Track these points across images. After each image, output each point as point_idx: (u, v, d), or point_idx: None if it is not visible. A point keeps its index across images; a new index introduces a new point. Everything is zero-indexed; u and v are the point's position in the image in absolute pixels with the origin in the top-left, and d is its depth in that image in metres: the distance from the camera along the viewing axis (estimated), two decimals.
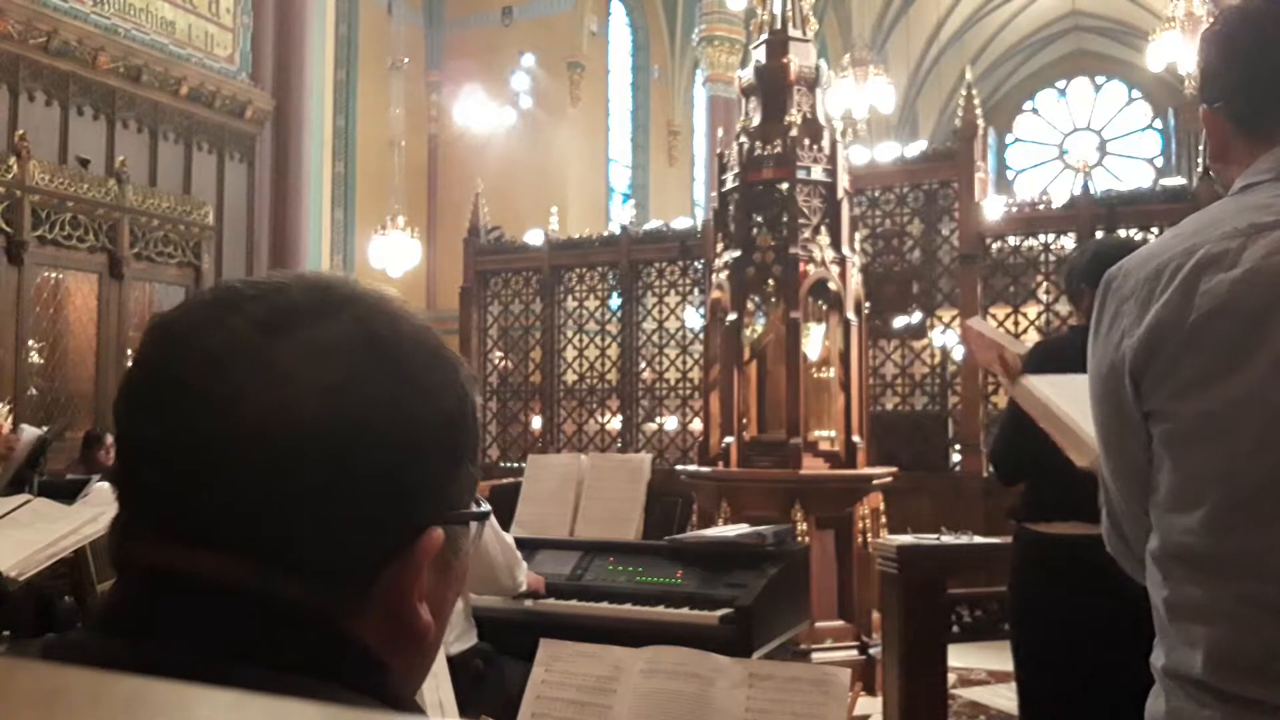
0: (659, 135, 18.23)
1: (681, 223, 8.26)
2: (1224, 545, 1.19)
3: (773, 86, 5.40)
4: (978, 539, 3.79)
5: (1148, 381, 1.25)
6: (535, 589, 3.24)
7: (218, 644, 0.55)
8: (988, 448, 5.81)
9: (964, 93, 7.07)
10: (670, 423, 7.87)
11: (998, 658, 2.88)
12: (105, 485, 4.82)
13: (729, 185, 5.44)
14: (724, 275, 5.36)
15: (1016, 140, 24.27)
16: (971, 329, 3.39)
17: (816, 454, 5.16)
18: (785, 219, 5.22)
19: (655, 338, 7.84)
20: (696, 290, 7.60)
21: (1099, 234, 6.41)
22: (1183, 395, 1.21)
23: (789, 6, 5.47)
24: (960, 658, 4.56)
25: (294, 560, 0.57)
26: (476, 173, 10.36)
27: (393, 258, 12.38)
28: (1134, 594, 2.52)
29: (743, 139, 5.40)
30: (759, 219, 5.29)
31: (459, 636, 2.83)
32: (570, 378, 8.12)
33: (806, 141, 5.26)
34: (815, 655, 4.59)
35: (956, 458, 7.02)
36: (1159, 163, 22.32)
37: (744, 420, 5.33)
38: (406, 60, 14.07)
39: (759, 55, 5.52)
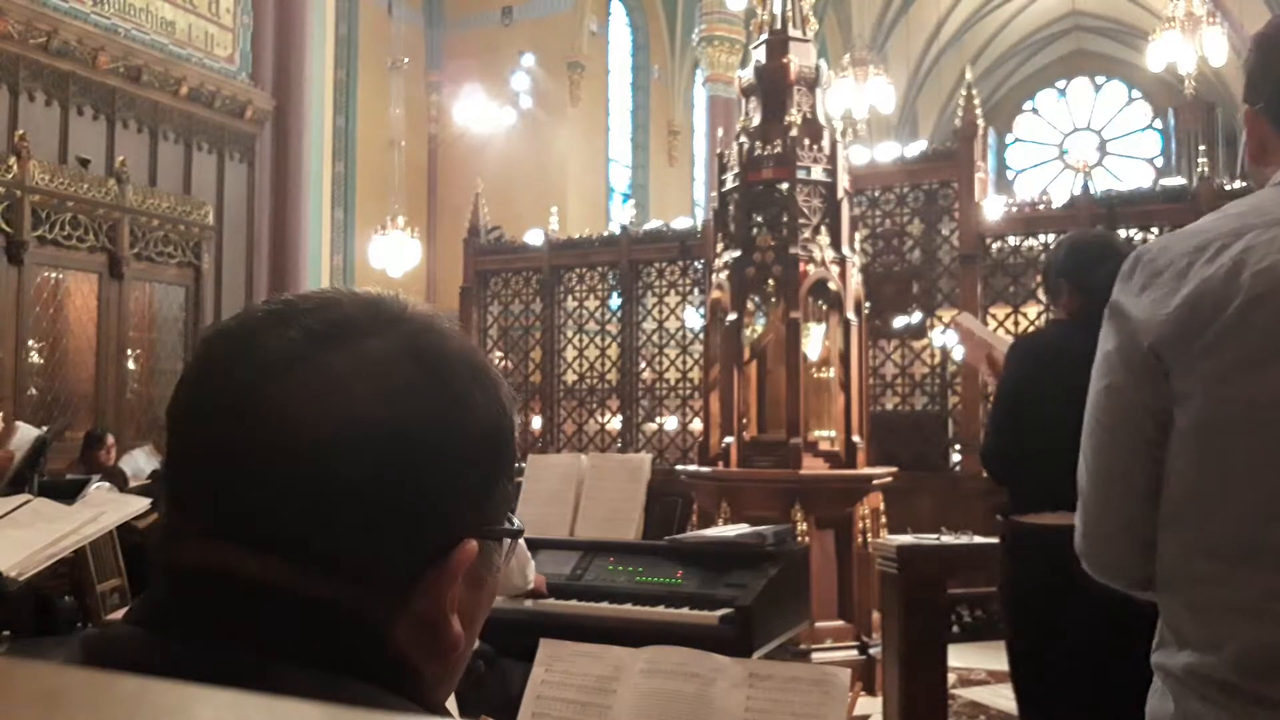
0: (659, 135, 18.23)
1: (681, 223, 8.25)
2: (1271, 537, 1.14)
3: (773, 86, 5.40)
4: (978, 539, 3.79)
5: (1179, 358, 1.19)
6: (537, 588, 3.25)
7: (263, 643, 0.57)
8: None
9: (964, 93, 7.07)
10: (670, 423, 7.86)
11: (998, 658, 2.87)
12: (105, 485, 4.82)
13: (729, 185, 5.44)
14: (724, 275, 5.36)
15: (1016, 140, 24.26)
16: (963, 325, 3.38)
17: (816, 454, 5.16)
18: (785, 219, 5.22)
19: (655, 338, 7.84)
20: (696, 290, 7.60)
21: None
22: (1224, 379, 1.16)
23: (789, 6, 5.47)
24: (960, 658, 4.56)
25: (336, 565, 0.59)
26: (476, 173, 10.36)
27: (393, 258, 12.38)
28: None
29: (743, 139, 5.40)
30: (759, 219, 5.29)
31: None
32: (570, 378, 8.12)
33: (806, 141, 5.26)
34: (815, 655, 4.59)
35: (956, 458, 7.02)
36: (1159, 163, 22.30)
37: (744, 420, 5.33)
38: (406, 60, 14.07)
39: (759, 55, 5.52)
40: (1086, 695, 2.58)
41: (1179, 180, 10.46)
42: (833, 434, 5.24)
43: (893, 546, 3.85)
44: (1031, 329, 6.82)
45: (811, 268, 5.15)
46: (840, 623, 5.03)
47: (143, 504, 3.89)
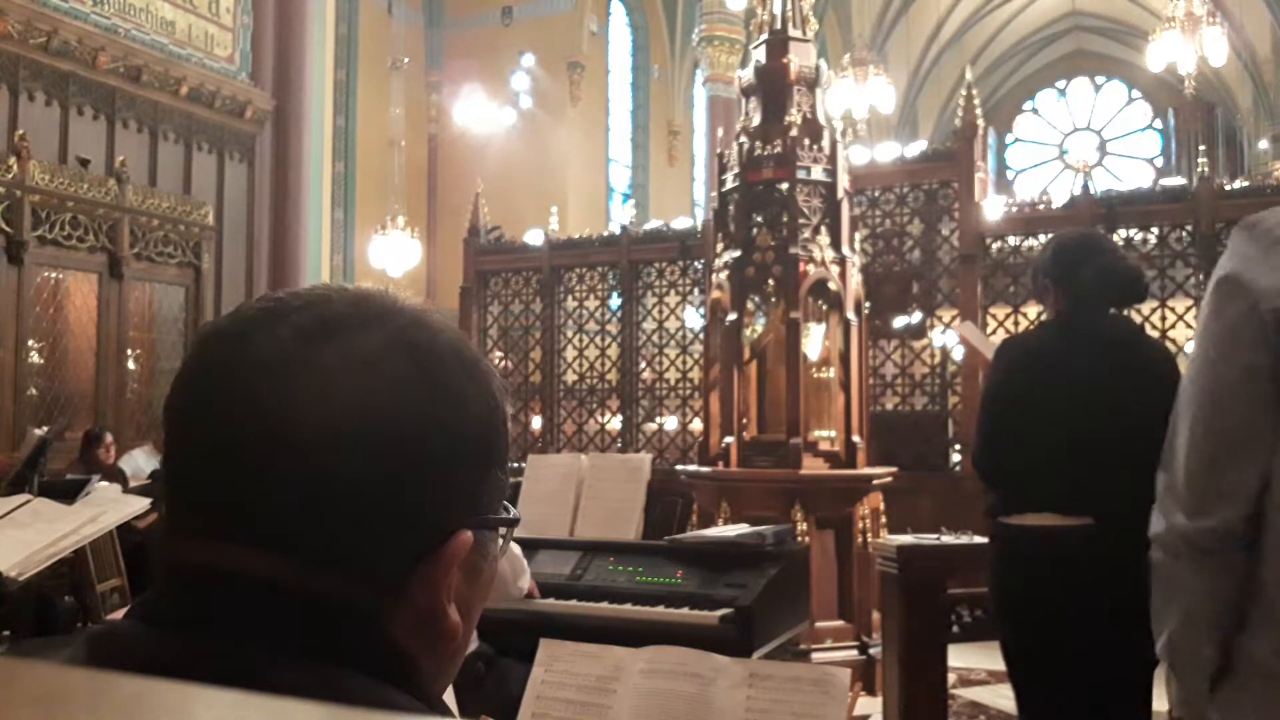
0: (659, 135, 18.23)
1: (681, 223, 8.25)
2: None
3: (773, 86, 5.40)
4: (978, 539, 3.79)
5: None
6: (530, 594, 3.25)
7: (265, 639, 0.58)
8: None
9: (964, 93, 7.07)
10: (670, 423, 7.86)
11: (998, 658, 2.87)
12: (105, 485, 4.82)
13: (729, 185, 5.44)
14: (724, 275, 5.36)
15: (1016, 140, 24.27)
16: (963, 335, 3.39)
17: (816, 454, 5.16)
18: (785, 219, 5.22)
19: (655, 338, 7.84)
20: (696, 290, 7.60)
21: (1102, 232, 6.41)
22: None
23: (789, 6, 5.47)
24: (960, 658, 4.56)
25: (334, 559, 0.60)
26: (476, 173, 10.35)
27: (393, 258, 12.38)
28: (1107, 581, 2.54)
29: (743, 139, 5.39)
30: (759, 219, 5.29)
31: None
32: (570, 378, 8.12)
33: (806, 141, 5.26)
34: (815, 655, 4.58)
35: (956, 458, 7.02)
36: (1159, 163, 22.32)
37: (744, 420, 5.32)
38: (406, 60, 14.07)
39: (759, 55, 5.52)
40: (1079, 692, 2.59)
41: (1179, 180, 10.45)
42: (833, 434, 5.23)
43: (893, 546, 3.85)
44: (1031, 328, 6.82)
45: (811, 268, 5.15)
46: (840, 623, 5.03)
47: (143, 504, 3.89)
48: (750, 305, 5.39)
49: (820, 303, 5.34)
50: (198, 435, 0.63)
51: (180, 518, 0.63)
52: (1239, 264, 1.26)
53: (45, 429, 5.74)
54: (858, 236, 5.68)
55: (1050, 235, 6.85)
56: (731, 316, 5.29)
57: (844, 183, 5.34)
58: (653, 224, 8.38)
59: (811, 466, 5.08)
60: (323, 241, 11.20)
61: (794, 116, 5.27)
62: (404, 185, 13.56)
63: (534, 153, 14.60)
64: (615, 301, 8.00)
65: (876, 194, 7.15)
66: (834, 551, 5.06)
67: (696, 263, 7.55)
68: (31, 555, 3.20)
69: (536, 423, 8.15)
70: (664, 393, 7.81)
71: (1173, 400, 2.77)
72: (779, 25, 5.45)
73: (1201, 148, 8.75)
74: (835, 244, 5.24)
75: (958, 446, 7.02)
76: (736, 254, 5.29)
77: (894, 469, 5.49)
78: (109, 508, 3.69)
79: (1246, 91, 18.93)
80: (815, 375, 5.32)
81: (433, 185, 15.17)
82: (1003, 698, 4.52)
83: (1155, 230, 6.73)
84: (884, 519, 5.29)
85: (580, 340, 8.12)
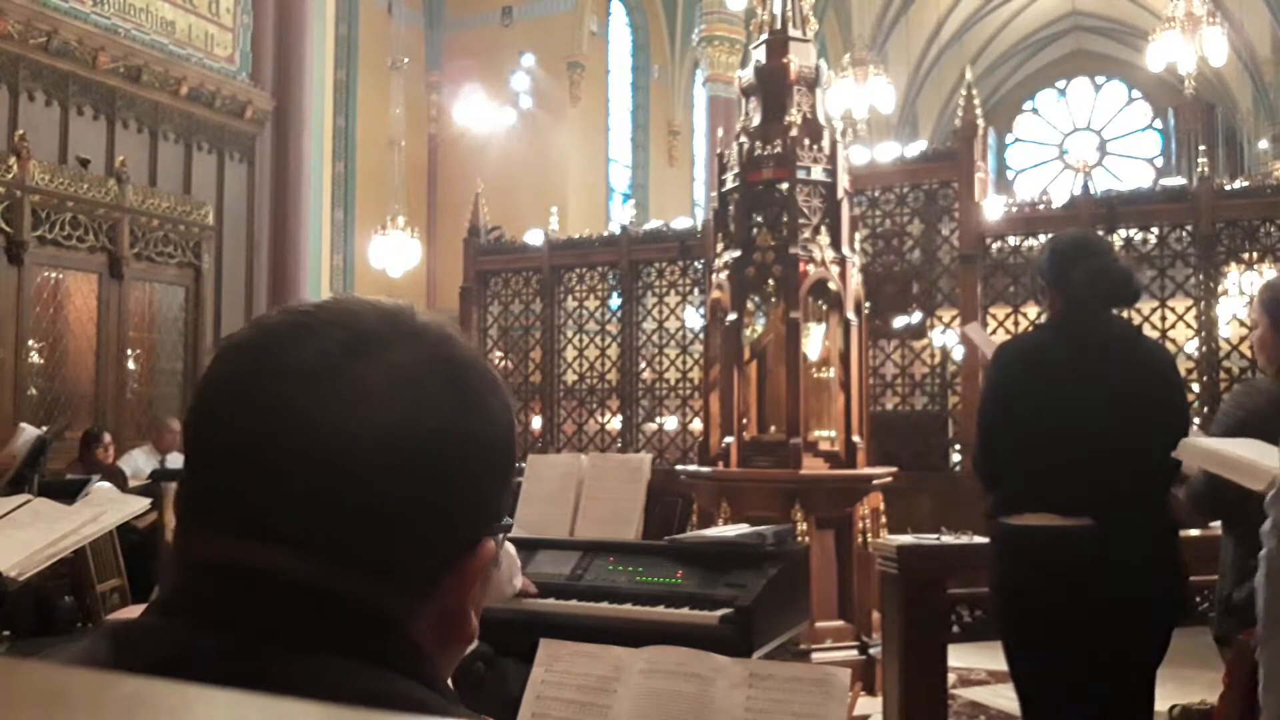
0: (659, 135, 18.22)
1: (681, 223, 8.25)
2: None
3: (773, 86, 5.40)
4: (978, 539, 3.79)
5: None
6: (525, 590, 3.25)
7: (299, 638, 0.60)
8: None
9: (964, 93, 7.07)
10: (670, 423, 7.86)
11: (998, 658, 2.88)
12: (105, 485, 4.82)
13: (729, 185, 5.44)
14: (724, 275, 5.36)
15: (1016, 140, 24.26)
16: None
17: (816, 454, 5.16)
18: (785, 219, 5.22)
19: (655, 338, 7.84)
20: (696, 290, 7.60)
21: (1098, 233, 6.41)
22: None
23: (789, 6, 5.47)
24: (960, 658, 4.56)
25: (369, 564, 0.63)
26: (476, 173, 10.36)
27: (393, 258, 12.38)
28: (1108, 580, 2.54)
29: (743, 139, 5.39)
30: (759, 219, 5.29)
31: None
32: (570, 378, 8.12)
33: (806, 141, 5.25)
34: (815, 655, 4.58)
35: (956, 458, 7.02)
36: (1159, 163, 22.31)
37: (744, 420, 5.32)
38: (406, 60, 14.07)
39: (759, 55, 5.51)
40: (1079, 690, 2.59)
41: (1179, 180, 10.45)
42: (833, 434, 5.23)
43: (893, 546, 3.85)
44: (1031, 329, 6.82)
45: (811, 268, 5.15)
46: (840, 623, 5.03)
47: (143, 504, 3.89)
48: (750, 305, 5.39)
49: (820, 303, 5.34)
50: (234, 442, 0.64)
51: (207, 518, 0.65)
52: None
53: (45, 429, 5.73)
54: (858, 236, 5.68)
55: (1050, 235, 6.88)
56: (731, 316, 5.29)
57: (844, 183, 5.34)
58: (653, 224, 8.38)
59: (811, 466, 5.08)
60: (323, 241, 11.19)
61: (794, 116, 5.27)
62: (404, 185, 13.56)
63: (534, 153, 14.60)
64: (615, 301, 8.00)
65: (876, 194, 7.16)
66: (834, 551, 5.05)
67: (696, 263, 7.56)
68: (31, 555, 3.20)
69: (536, 423, 8.15)
70: (664, 393, 7.81)
71: (1170, 400, 2.76)
72: (779, 25, 5.44)
73: (1201, 148, 8.76)
74: (835, 244, 5.24)
75: (958, 446, 7.02)
76: (736, 254, 5.29)
77: (894, 469, 5.49)
78: (109, 508, 3.69)
79: (1246, 91, 18.93)
80: (815, 375, 5.32)
81: (433, 185, 15.17)
82: (1003, 698, 4.52)
83: (1155, 230, 6.73)
84: (884, 519, 5.29)
85: (580, 340, 8.12)
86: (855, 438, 5.19)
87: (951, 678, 4.28)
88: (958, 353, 7.12)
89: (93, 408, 7.81)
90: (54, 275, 7.70)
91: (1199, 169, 6.97)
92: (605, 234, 8.37)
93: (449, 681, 0.72)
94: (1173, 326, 6.55)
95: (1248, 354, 6.17)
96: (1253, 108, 18.90)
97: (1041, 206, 7.15)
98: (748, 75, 5.57)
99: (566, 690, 1.82)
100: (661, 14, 17.94)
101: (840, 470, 5.14)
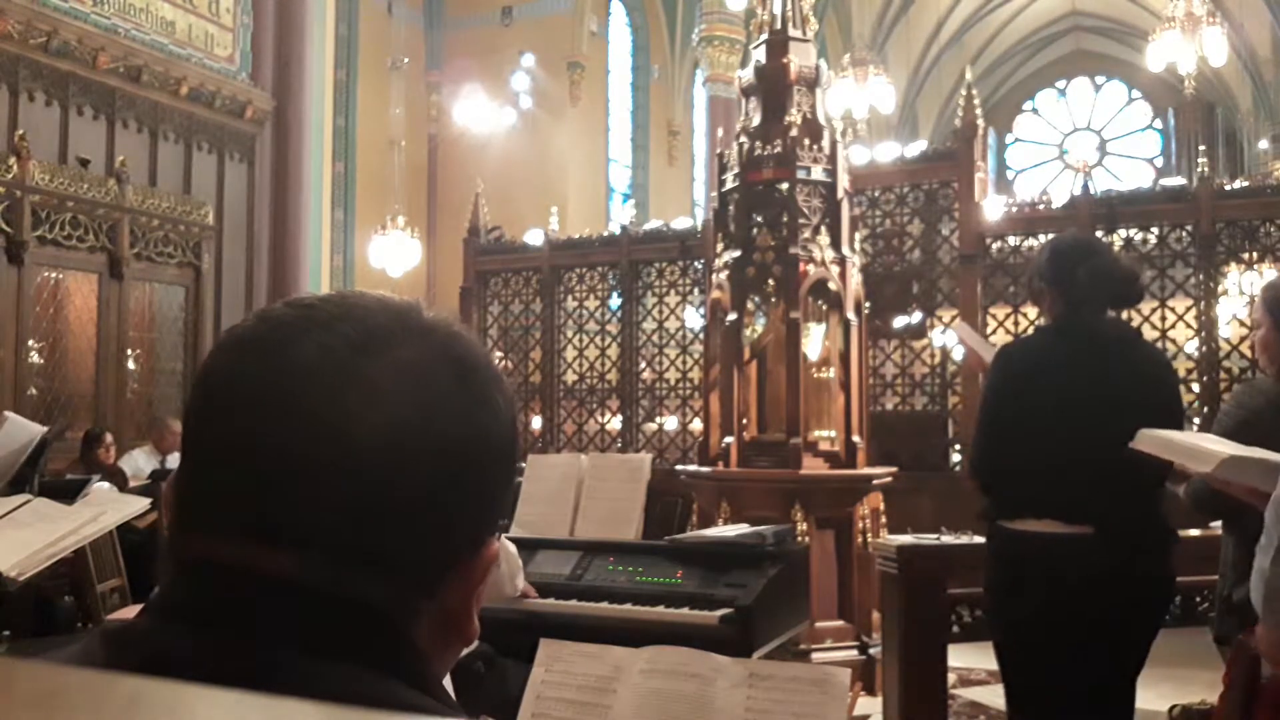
0: (659, 135, 18.22)
1: (681, 223, 8.26)
2: None
3: (773, 86, 5.40)
4: (978, 539, 3.79)
5: None
6: (526, 593, 3.26)
7: (298, 638, 0.58)
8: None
9: (964, 93, 7.07)
10: (670, 423, 7.86)
11: None
12: (105, 485, 4.82)
13: (729, 185, 5.44)
14: (724, 275, 5.36)
15: (1016, 140, 24.26)
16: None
17: (816, 454, 5.16)
18: (785, 219, 5.22)
19: (655, 338, 7.84)
20: (696, 290, 7.60)
21: (1099, 234, 6.41)
22: None
23: (789, 6, 5.47)
24: (960, 658, 4.56)
25: (376, 563, 0.62)
26: (476, 173, 10.36)
27: (393, 258, 12.38)
28: (1101, 588, 2.54)
29: (743, 139, 5.39)
30: (759, 219, 5.29)
31: None
32: (570, 378, 8.12)
33: (806, 141, 5.25)
34: (815, 655, 4.58)
35: (956, 458, 7.02)
36: (1159, 163, 22.31)
37: (744, 420, 5.32)
38: (406, 60, 14.07)
39: (759, 55, 5.51)
40: (1068, 693, 2.60)
41: (1179, 180, 10.46)
42: (833, 434, 5.23)
43: (893, 546, 3.85)
44: (1031, 329, 6.82)
45: (811, 268, 5.15)
46: (840, 623, 5.03)
47: (143, 504, 3.89)
48: (750, 305, 5.39)
49: (820, 303, 5.34)
50: (237, 438, 0.62)
51: (206, 517, 0.63)
52: None
53: (46, 429, 5.72)
54: (858, 236, 5.68)
55: (1050, 236, 6.89)
56: (731, 316, 5.29)
57: (844, 183, 5.34)
58: (653, 224, 8.39)
59: (811, 466, 5.08)
60: (323, 241, 11.19)
61: (794, 116, 5.27)
62: (404, 185, 13.56)
63: (534, 153, 14.60)
64: (615, 301, 8.01)
65: (876, 194, 7.16)
66: (834, 551, 5.05)
67: (696, 263, 7.56)
68: (31, 555, 3.20)
69: (536, 423, 8.15)
70: (664, 393, 7.81)
71: (1168, 402, 2.77)
72: (779, 25, 5.44)
73: (1201, 148, 8.75)
74: (835, 244, 5.24)
75: (958, 446, 7.02)
76: (736, 254, 5.29)
77: (894, 469, 5.49)
78: (109, 508, 3.68)
79: (1246, 91, 18.93)
80: (815, 375, 5.31)
81: (433, 185, 15.16)
82: (1003, 698, 4.52)
83: (1155, 230, 6.73)
84: (884, 519, 5.29)
85: (580, 340, 8.12)
86: (855, 438, 5.19)
87: (951, 678, 4.28)
88: (958, 353, 7.12)
89: (93, 408, 7.81)
90: (54, 275, 7.70)
91: (1199, 169, 6.97)
92: (605, 234, 8.38)
93: (448, 681, 0.71)
94: (1173, 327, 6.56)
95: (1248, 354, 6.18)
96: (1253, 108, 18.90)
97: (1041, 206, 7.15)
98: (748, 75, 5.57)
99: (566, 690, 1.82)
100: (661, 14, 17.93)
101: (840, 470, 5.14)
